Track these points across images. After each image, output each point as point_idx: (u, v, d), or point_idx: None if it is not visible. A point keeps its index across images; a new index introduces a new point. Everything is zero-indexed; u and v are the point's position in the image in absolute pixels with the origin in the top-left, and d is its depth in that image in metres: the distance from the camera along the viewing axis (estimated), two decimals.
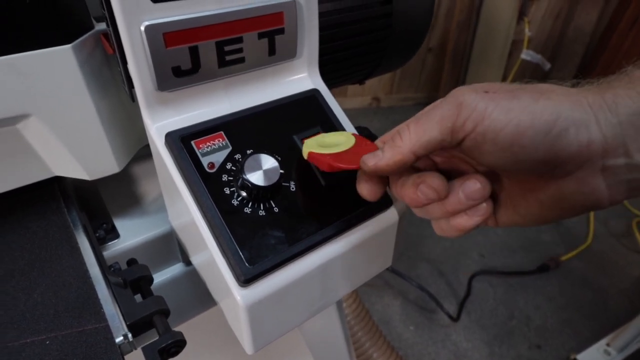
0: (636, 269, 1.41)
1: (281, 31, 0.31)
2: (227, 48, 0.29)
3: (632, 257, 1.45)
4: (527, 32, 1.97)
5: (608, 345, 1.10)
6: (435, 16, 1.90)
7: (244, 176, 0.27)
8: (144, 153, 0.35)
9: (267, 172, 0.27)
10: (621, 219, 1.58)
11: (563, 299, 1.31)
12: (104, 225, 0.35)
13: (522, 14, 1.95)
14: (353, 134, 0.29)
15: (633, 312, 1.11)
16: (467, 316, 1.24)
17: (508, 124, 0.20)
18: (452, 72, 1.93)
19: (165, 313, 0.28)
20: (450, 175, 0.25)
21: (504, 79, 2.03)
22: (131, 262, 0.33)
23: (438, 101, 0.23)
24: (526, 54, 2.01)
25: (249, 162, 0.27)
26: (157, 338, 0.27)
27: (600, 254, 1.45)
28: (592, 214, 1.59)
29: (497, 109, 0.21)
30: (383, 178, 0.27)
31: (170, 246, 0.38)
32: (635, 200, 1.65)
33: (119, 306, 0.28)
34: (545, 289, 1.33)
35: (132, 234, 0.36)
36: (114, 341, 0.25)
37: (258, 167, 0.27)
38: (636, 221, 1.55)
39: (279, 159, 0.28)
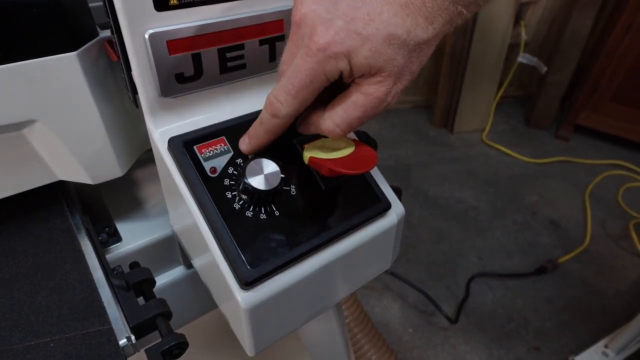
0: (634, 270, 1.41)
1: (282, 38, 0.31)
2: (229, 55, 0.29)
3: (629, 259, 1.45)
4: (524, 36, 1.99)
5: (606, 347, 1.10)
6: None
7: (245, 180, 0.27)
8: (146, 157, 0.36)
9: (268, 177, 0.28)
10: (619, 221, 1.59)
11: (561, 301, 1.31)
12: (107, 228, 0.36)
13: (518, 18, 1.97)
14: (353, 140, 0.30)
15: (631, 314, 1.11)
16: (465, 319, 1.24)
17: None
18: (449, 75, 1.94)
19: (168, 315, 0.29)
20: None
21: (501, 81, 2.04)
22: (133, 265, 0.33)
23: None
24: (523, 57, 2.02)
25: (250, 167, 0.28)
26: (159, 340, 0.27)
27: (598, 256, 1.46)
28: (589, 216, 1.59)
29: None
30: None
31: (172, 249, 0.38)
32: (633, 202, 1.66)
33: (122, 309, 0.28)
34: (543, 291, 1.34)
35: (134, 237, 0.36)
36: (118, 343, 0.26)
37: (259, 171, 0.28)
38: (633, 223, 1.56)
39: (280, 163, 0.29)
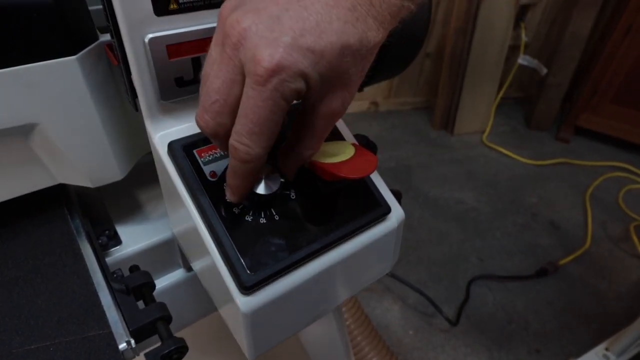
0: (634, 272, 1.41)
1: None
2: None
3: (630, 261, 1.45)
4: (524, 38, 1.99)
5: (607, 349, 1.10)
6: (432, 23, 1.91)
7: None
8: (146, 160, 0.36)
9: (268, 181, 0.28)
10: (619, 223, 1.59)
11: (561, 303, 1.31)
12: (107, 231, 0.36)
13: (518, 20, 1.97)
14: (353, 144, 0.30)
15: (632, 316, 1.11)
16: (466, 320, 1.24)
17: None
18: (449, 76, 1.94)
19: (168, 319, 0.29)
20: None
21: (501, 83, 2.04)
22: (133, 268, 0.33)
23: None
24: (523, 59, 2.03)
25: None
26: (159, 344, 0.27)
27: (599, 258, 1.46)
28: (590, 217, 1.59)
29: None
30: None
31: (172, 252, 0.38)
32: (633, 204, 1.66)
33: (121, 313, 0.28)
34: (543, 293, 1.34)
35: (134, 240, 0.36)
36: (117, 347, 0.26)
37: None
38: (634, 225, 1.56)
39: None
